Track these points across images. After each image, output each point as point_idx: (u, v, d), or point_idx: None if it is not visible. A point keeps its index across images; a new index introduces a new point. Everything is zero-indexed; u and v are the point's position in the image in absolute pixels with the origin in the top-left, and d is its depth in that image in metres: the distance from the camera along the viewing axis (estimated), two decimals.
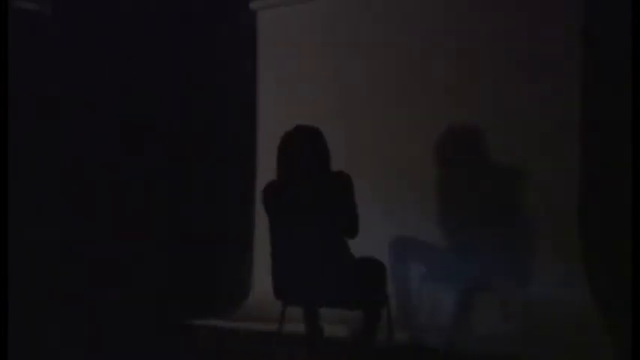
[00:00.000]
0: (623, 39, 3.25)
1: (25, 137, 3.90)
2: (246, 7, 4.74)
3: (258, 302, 4.30)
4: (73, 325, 3.69)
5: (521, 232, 3.91)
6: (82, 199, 4.17)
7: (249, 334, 3.89)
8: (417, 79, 4.24)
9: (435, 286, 4.00)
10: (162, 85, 4.56)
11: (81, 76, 4.26)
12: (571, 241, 3.81)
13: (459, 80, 4.10)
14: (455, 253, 3.99)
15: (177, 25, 4.61)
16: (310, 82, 4.52)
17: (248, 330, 3.94)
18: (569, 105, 3.85)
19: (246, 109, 4.71)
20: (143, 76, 4.47)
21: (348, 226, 2.94)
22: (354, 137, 4.28)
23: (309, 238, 2.88)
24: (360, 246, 3.02)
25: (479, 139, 4.03)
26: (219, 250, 4.57)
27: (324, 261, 2.87)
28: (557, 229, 3.84)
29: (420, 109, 4.22)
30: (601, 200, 3.78)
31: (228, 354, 3.64)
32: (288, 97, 4.58)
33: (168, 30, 4.59)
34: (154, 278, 4.28)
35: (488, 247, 3.91)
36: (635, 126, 2.90)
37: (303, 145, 2.98)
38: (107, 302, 3.92)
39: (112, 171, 4.30)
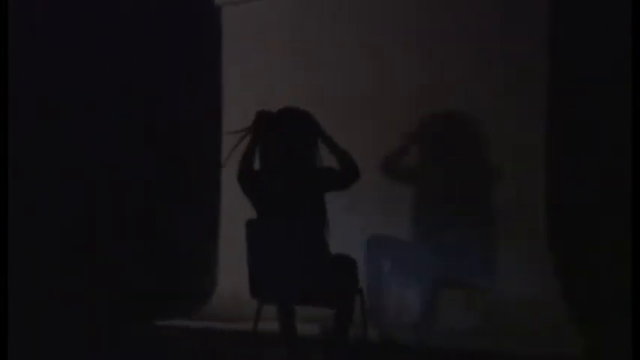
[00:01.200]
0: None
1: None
2: (211, 3, 4.66)
3: (223, 301, 4.24)
4: (35, 326, 3.62)
5: (489, 232, 3.96)
6: (32, 196, 4.05)
7: (216, 333, 3.84)
8: (385, 77, 4.22)
9: (403, 284, 4.01)
10: (123, 80, 4.44)
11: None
12: (540, 240, 3.87)
13: (427, 79, 4.10)
14: (423, 252, 4.00)
15: (144, 21, 4.50)
16: (276, 79, 4.44)
17: (214, 329, 3.89)
18: (536, 105, 3.91)
19: (211, 106, 4.61)
20: (102, 74, 4.34)
21: (347, 168, 2.91)
22: None
23: (289, 234, 2.83)
24: None
25: (446, 139, 4.08)
26: (183, 248, 4.47)
27: (304, 258, 2.83)
28: (525, 228, 3.89)
29: (389, 107, 4.19)
30: (570, 201, 3.83)
31: (195, 354, 3.59)
32: (254, 94, 4.45)
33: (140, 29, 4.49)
34: (116, 277, 4.19)
35: (457, 246, 3.93)
36: (635, 126, 2.90)
37: (290, 130, 2.95)
38: (68, 304, 3.83)
39: (70, 168, 4.18)
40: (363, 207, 4.10)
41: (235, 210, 4.14)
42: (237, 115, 4.48)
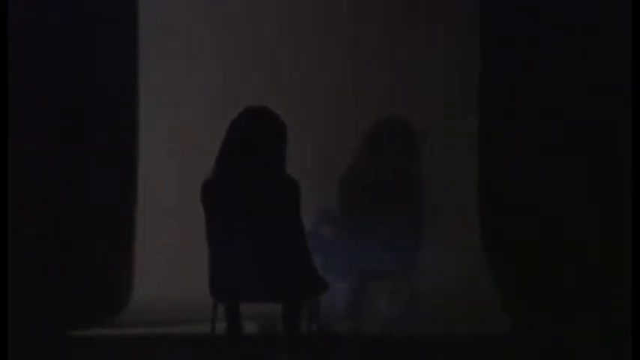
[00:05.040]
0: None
1: None
2: None
3: (141, 306, 4.02)
4: None
5: (417, 226, 4.09)
6: None
7: (137, 339, 3.71)
8: (315, 75, 4.10)
9: (332, 277, 4.10)
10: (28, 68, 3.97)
11: None
12: (468, 235, 4.01)
13: (357, 76, 4.09)
14: (351, 247, 4.05)
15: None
16: (198, 74, 4.15)
17: (135, 335, 3.74)
18: (469, 102, 4.01)
19: (124, 96, 4.19)
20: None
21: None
22: None
23: (249, 235, 2.77)
24: None
25: (377, 136, 4.11)
26: (96, 253, 4.16)
27: (264, 257, 2.78)
28: (455, 222, 4.02)
29: (317, 107, 4.09)
30: (501, 195, 3.99)
31: None
32: (173, 87, 4.14)
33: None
34: (23, 286, 3.78)
35: (384, 240, 4.03)
36: (635, 126, 2.93)
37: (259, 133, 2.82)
38: None
39: None
40: None
41: (152, 212, 4.09)
42: (153, 111, 4.17)
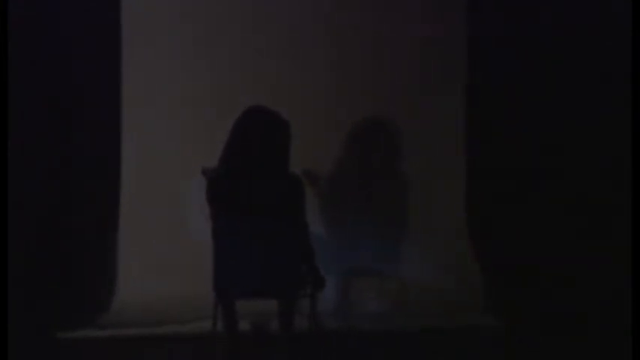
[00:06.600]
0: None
1: None
2: None
3: (125, 306, 3.95)
4: None
5: (403, 226, 4.12)
6: None
7: (124, 340, 3.66)
8: (300, 77, 4.08)
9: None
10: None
11: None
12: (460, 231, 4.05)
13: (345, 79, 4.07)
14: (338, 246, 4.08)
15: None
16: (181, 77, 4.10)
17: (122, 337, 3.69)
18: (454, 104, 4.05)
19: (108, 98, 4.14)
20: None
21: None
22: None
23: (254, 234, 2.80)
24: None
25: (364, 136, 4.13)
26: (78, 253, 4.10)
27: (268, 256, 2.81)
28: (445, 219, 4.05)
29: (304, 107, 3.98)
30: (487, 198, 4.02)
31: None
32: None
33: None
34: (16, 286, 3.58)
35: (370, 239, 4.08)
36: (635, 126, 2.93)
37: (267, 136, 2.86)
38: None
39: None
40: None
41: (135, 215, 4.04)
42: (137, 111, 4.10)
